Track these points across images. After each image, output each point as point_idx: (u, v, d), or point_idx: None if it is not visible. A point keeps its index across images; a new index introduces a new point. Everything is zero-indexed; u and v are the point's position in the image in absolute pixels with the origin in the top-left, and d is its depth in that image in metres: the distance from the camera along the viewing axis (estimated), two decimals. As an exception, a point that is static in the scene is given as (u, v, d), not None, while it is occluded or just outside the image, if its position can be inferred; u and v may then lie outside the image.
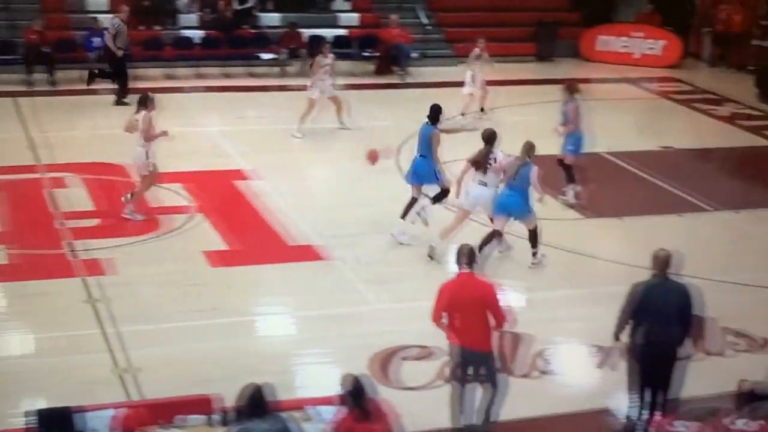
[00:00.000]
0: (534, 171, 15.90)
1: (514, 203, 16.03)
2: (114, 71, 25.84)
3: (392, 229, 17.20)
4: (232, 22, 29.37)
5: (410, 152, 21.50)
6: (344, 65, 28.68)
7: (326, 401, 10.50)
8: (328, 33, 29.58)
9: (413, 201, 17.41)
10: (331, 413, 10.11)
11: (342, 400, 9.61)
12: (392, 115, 24.26)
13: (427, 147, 17.19)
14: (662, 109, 27.60)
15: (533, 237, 16.40)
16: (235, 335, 13.92)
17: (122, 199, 17.72)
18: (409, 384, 12.72)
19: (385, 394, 11.32)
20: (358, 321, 14.56)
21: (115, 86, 25.58)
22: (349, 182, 20.16)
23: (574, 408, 12.39)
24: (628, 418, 11.74)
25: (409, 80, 28.83)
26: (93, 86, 26.26)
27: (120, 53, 25.59)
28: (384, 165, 20.55)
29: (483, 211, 16.52)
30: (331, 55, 23.83)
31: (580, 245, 17.14)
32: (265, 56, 28.65)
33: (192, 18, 29.75)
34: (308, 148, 22.22)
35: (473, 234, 15.64)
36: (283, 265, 16.22)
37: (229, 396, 9.66)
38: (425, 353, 13.35)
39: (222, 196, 19.08)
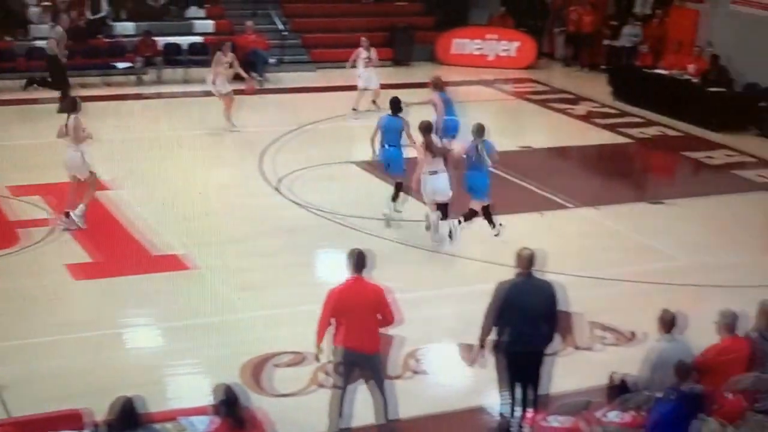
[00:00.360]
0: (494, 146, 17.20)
1: (484, 185, 17.18)
2: (56, 79, 25.76)
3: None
4: (86, 32, 28.83)
5: (274, 155, 21.56)
6: (202, 72, 28.38)
7: (199, 411, 10.34)
8: (184, 41, 29.35)
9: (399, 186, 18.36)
10: (204, 423, 9.99)
11: (215, 409, 9.47)
12: (252, 121, 24.11)
13: (398, 137, 18.24)
14: (519, 110, 27.92)
15: (472, 215, 17.28)
16: (102, 348, 13.57)
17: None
18: (282, 391, 12.56)
19: (258, 402, 11.23)
20: (228, 329, 14.32)
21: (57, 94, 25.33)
22: (212, 190, 19.92)
23: (448, 408, 12.41)
24: (501, 415, 11.77)
25: (267, 86, 28.64)
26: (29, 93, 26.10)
27: (64, 60, 25.86)
28: (248, 171, 20.54)
29: (441, 197, 17.04)
30: (231, 54, 23.94)
31: (445, 245, 17.19)
32: (121, 65, 28.20)
33: (45, 28, 29.02)
34: (168, 156, 21.86)
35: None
36: (148, 276, 15.85)
37: (100, 410, 9.45)
38: (298, 359, 13.21)
39: (82, 208, 18.70)
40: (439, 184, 16.89)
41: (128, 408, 8.88)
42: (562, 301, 11.43)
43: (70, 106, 17.82)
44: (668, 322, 11.29)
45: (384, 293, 11.09)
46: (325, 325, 11.15)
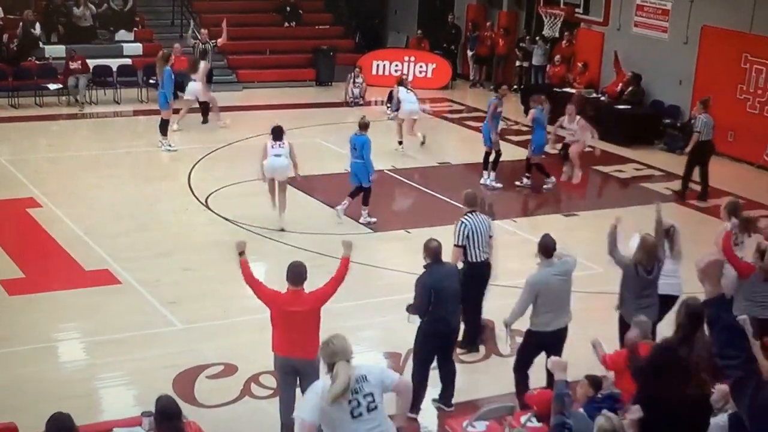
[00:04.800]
0: None
1: None
2: None
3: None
4: (18, 55, 28.22)
5: (202, 171, 21.20)
6: (132, 93, 28.07)
7: (134, 422, 9.98)
8: (114, 63, 28.82)
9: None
10: (139, 434, 9.67)
11: (154, 421, 9.13)
12: (181, 139, 23.69)
13: None
14: (437, 128, 27.65)
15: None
16: (36, 362, 13.18)
17: None
18: (215, 402, 12.24)
19: (193, 414, 10.92)
20: (161, 342, 13.97)
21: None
22: (142, 206, 19.49)
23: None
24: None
25: (195, 106, 28.17)
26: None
27: None
28: (176, 187, 20.22)
29: None
30: None
31: (371, 258, 16.94)
32: (53, 86, 27.61)
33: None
34: (99, 173, 21.44)
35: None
36: (81, 290, 15.47)
37: (34, 424, 9.03)
38: (230, 370, 12.96)
39: (16, 225, 18.23)
40: None
41: (59, 424, 8.52)
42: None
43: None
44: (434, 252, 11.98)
45: (318, 295, 10.97)
46: (252, 278, 11.00)
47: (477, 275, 13.67)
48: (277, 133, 18.46)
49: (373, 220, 18.78)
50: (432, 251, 11.89)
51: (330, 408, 8.32)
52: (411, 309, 12.06)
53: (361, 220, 18.79)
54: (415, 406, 11.79)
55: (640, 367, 9.26)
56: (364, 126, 18.78)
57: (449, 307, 11.94)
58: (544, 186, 21.89)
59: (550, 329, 11.93)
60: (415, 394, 11.74)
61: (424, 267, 11.99)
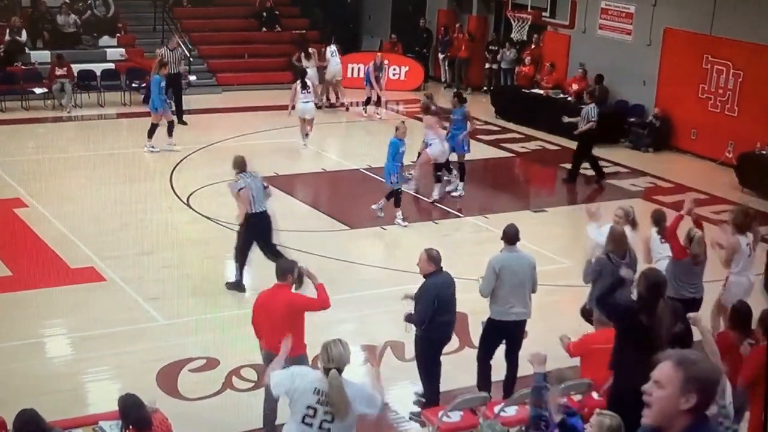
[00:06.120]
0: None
1: None
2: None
3: None
4: (4, 60, 28.03)
5: (184, 172, 21.09)
6: (115, 96, 27.90)
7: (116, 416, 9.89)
8: (97, 67, 28.62)
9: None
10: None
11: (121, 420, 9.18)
12: (164, 140, 23.54)
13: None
14: (410, 128, 27.49)
15: None
16: (24, 357, 13.04)
17: None
18: (198, 394, 12.16)
19: (176, 406, 10.85)
20: (145, 337, 13.87)
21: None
22: (126, 205, 19.33)
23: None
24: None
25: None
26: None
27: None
28: (158, 187, 20.09)
29: None
30: None
31: (347, 254, 16.89)
32: (38, 90, 27.42)
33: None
34: (84, 174, 21.26)
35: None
36: (67, 288, 15.32)
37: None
38: (212, 364, 12.87)
39: (3, 225, 18.03)
40: None
41: (26, 419, 8.45)
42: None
43: None
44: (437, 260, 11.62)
45: (295, 298, 10.87)
46: (254, 325, 11.06)
47: (254, 224, 15.15)
48: (305, 81, 23.57)
49: (404, 224, 18.60)
50: (435, 259, 11.64)
51: (297, 396, 8.38)
52: (411, 318, 11.80)
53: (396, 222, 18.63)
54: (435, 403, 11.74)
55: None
56: (396, 128, 19.05)
57: (450, 315, 11.74)
58: (449, 188, 21.18)
59: (510, 318, 11.92)
60: (430, 394, 11.78)
61: (425, 276, 11.67)
